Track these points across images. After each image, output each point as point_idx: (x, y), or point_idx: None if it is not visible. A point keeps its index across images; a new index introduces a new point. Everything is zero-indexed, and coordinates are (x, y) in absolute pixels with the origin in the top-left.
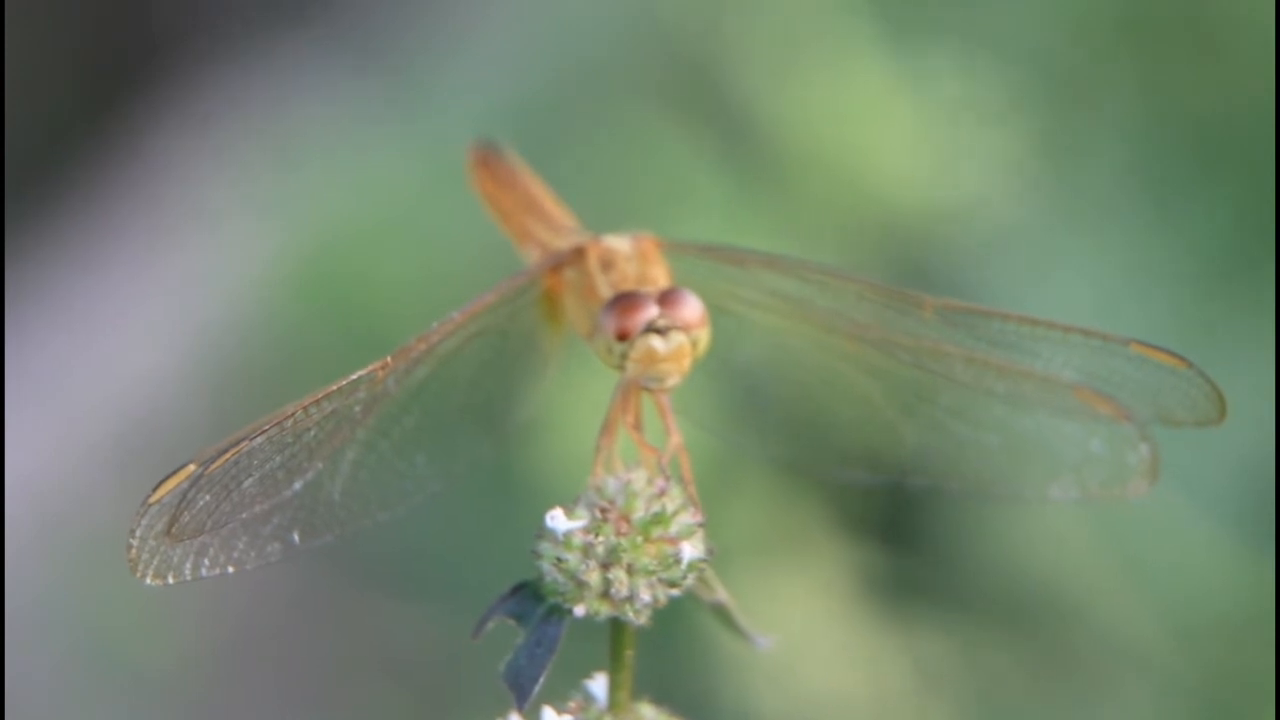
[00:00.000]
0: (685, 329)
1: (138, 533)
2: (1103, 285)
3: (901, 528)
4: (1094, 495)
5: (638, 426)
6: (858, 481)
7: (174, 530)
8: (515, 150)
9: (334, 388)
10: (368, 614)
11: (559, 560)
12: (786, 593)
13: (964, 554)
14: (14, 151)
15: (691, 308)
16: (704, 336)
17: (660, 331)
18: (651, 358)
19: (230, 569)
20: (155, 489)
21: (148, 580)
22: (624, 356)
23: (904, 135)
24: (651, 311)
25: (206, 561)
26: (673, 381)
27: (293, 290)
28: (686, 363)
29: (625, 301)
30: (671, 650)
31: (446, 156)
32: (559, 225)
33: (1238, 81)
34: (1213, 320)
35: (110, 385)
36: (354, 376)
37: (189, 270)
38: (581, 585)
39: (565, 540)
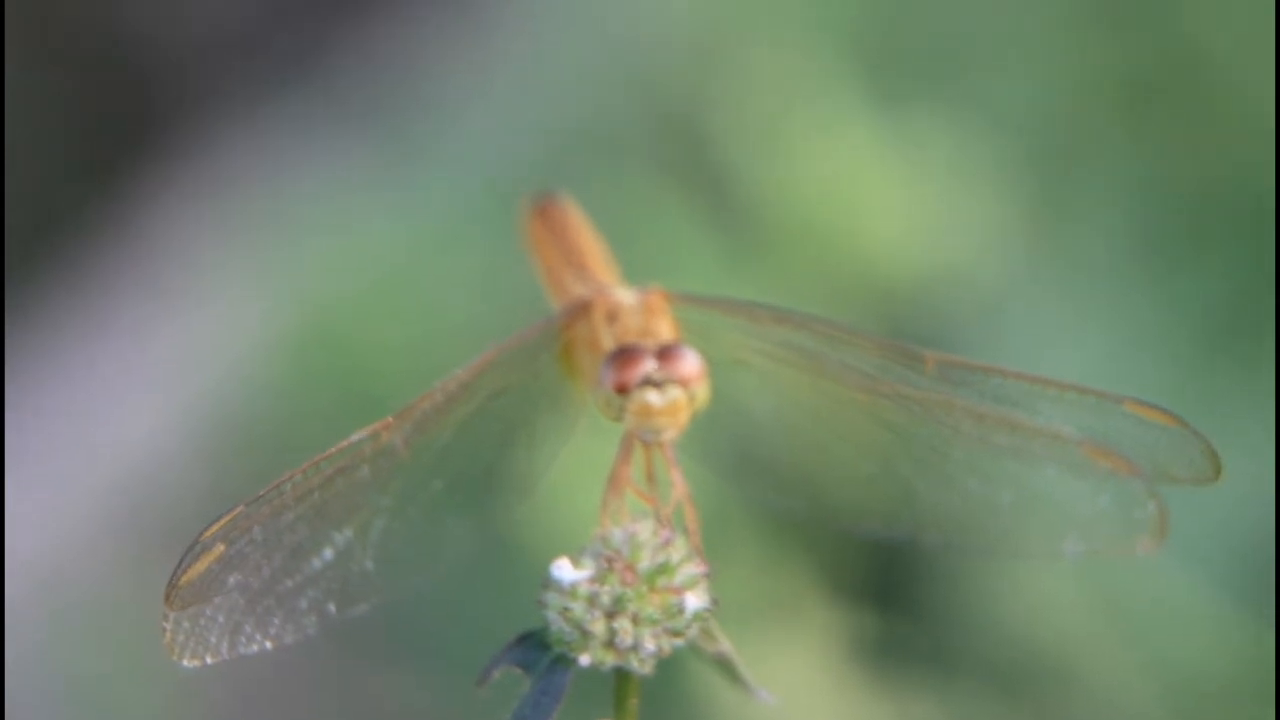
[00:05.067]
0: (682, 383)
1: (171, 616)
2: (1097, 351)
3: (892, 591)
4: (1103, 552)
5: (651, 479)
6: (871, 537)
7: (203, 612)
8: (569, 200)
9: (333, 450)
10: (361, 671)
11: (565, 609)
12: (777, 656)
13: (956, 617)
14: (11, 221)
15: (689, 363)
16: (702, 391)
17: (656, 385)
18: (647, 411)
19: (268, 644)
20: (184, 570)
21: (185, 662)
22: (622, 410)
23: (895, 199)
24: (648, 365)
25: (243, 639)
26: (669, 435)
27: (291, 356)
28: (683, 417)
29: (623, 356)
30: (666, 704)
31: (442, 220)
32: (595, 282)
33: (1234, 147)
34: (1209, 385)
35: (108, 451)
36: (355, 438)
37: (186, 336)
38: (587, 634)
39: (571, 590)
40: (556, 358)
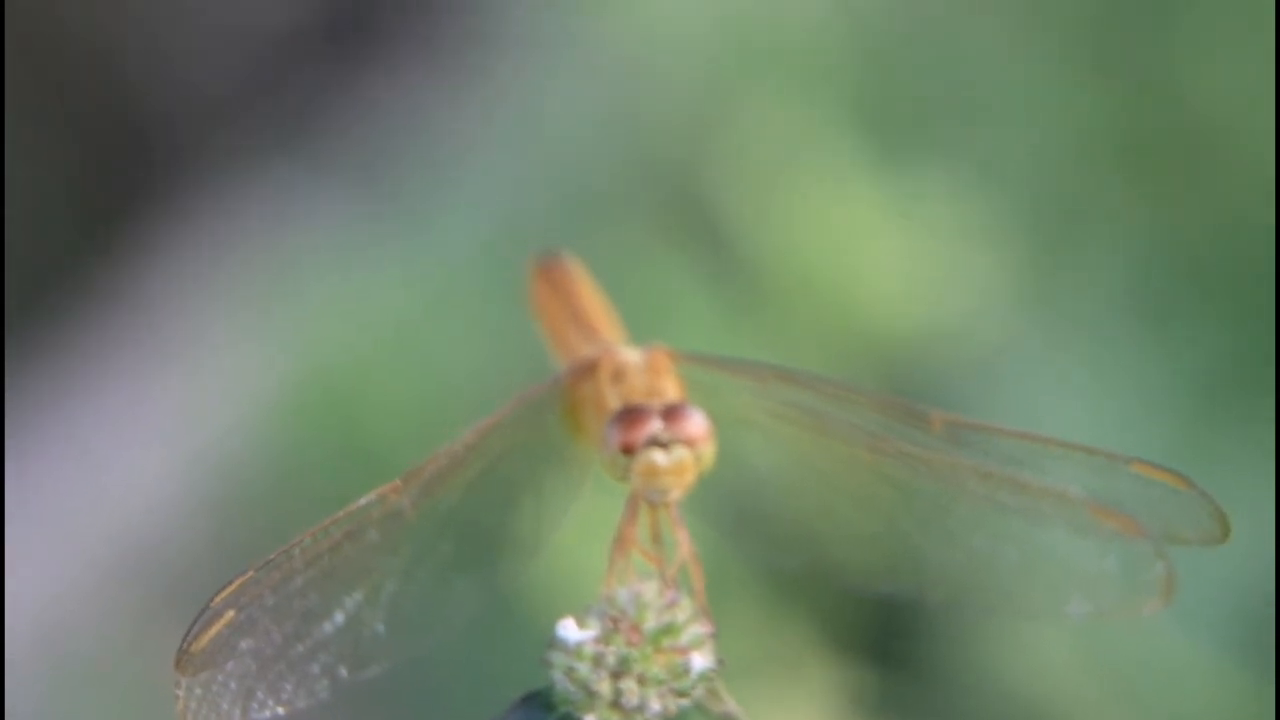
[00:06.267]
0: (688, 444)
1: (184, 683)
2: (1097, 406)
3: (893, 649)
4: (1109, 613)
5: (656, 539)
6: (874, 595)
7: (217, 679)
8: (574, 259)
9: (341, 514)
10: None
11: (570, 669)
12: (778, 714)
13: (957, 675)
14: (13, 275)
15: (695, 422)
16: (708, 451)
17: (662, 446)
18: (653, 472)
19: (280, 710)
20: (195, 637)
21: None
22: (627, 470)
23: (894, 254)
24: (654, 426)
25: (255, 704)
26: (675, 495)
27: (293, 411)
28: (689, 477)
29: (629, 416)
30: None
31: (444, 276)
32: (600, 341)
33: (1234, 201)
34: (1210, 441)
35: (112, 504)
36: (362, 501)
37: (189, 391)
38: (592, 694)
39: (576, 650)
40: (561, 417)
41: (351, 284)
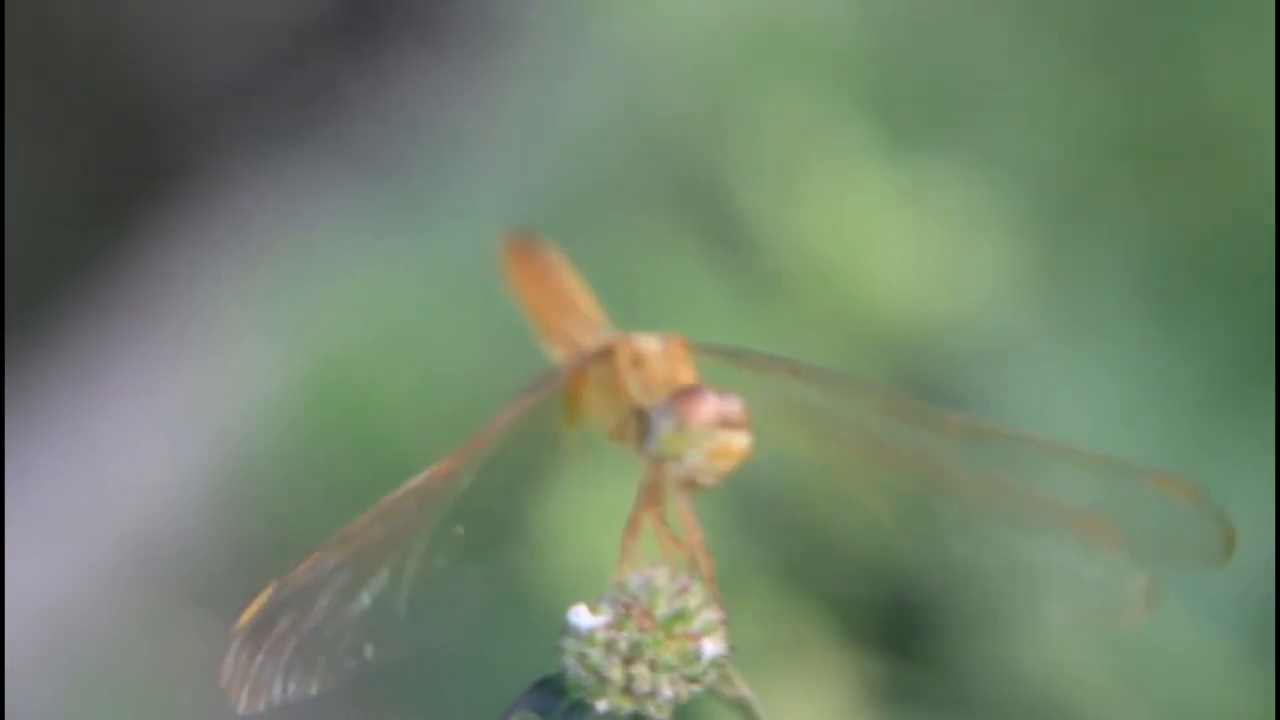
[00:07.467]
0: (747, 429)
1: (228, 660)
2: (1104, 400)
3: (904, 636)
4: (1089, 621)
5: (664, 523)
6: (859, 592)
7: (263, 653)
8: (549, 241)
9: (397, 494)
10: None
11: (582, 656)
12: (785, 702)
13: (966, 663)
14: (22, 267)
15: (743, 410)
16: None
17: (734, 427)
18: (725, 452)
19: (314, 688)
20: (243, 615)
21: (242, 706)
22: (688, 447)
23: (905, 245)
24: (729, 406)
25: (293, 684)
26: (713, 481)
27: (301, 408)
28: (739, 461)
29: (699, 394)
30: None
31: (453, 270)
32: (587, 322)
33: (1243, 199)
34: (1215, 435)
35: (119, 500)
36: (412, 485)
37: (196, 388)
38: (604, 681)
39: (588, 636)
40: (562, 401)
41: (361, 277)
